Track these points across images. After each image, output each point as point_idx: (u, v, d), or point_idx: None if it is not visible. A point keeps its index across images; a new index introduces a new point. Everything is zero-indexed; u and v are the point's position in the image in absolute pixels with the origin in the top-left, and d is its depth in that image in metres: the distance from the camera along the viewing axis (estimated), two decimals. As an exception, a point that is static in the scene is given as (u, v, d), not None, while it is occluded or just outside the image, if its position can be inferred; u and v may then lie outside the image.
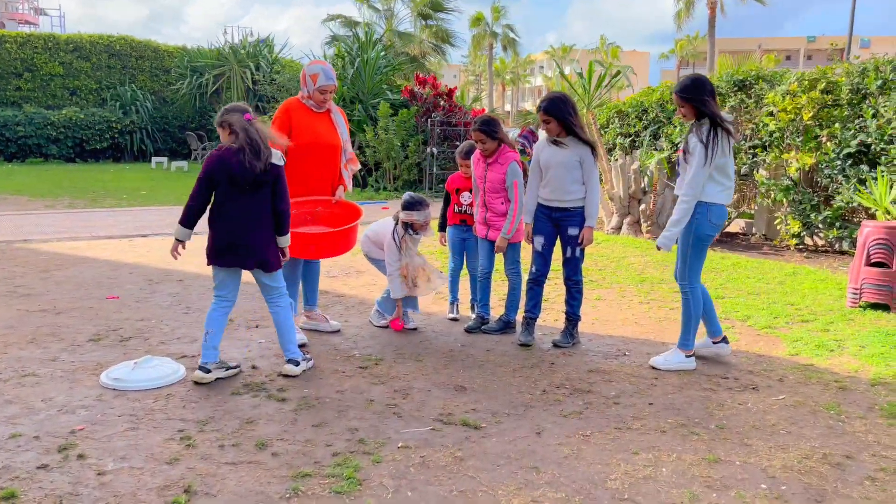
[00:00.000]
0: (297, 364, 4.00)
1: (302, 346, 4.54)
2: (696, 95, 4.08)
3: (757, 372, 4.24)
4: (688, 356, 4.33)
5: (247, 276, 4.09)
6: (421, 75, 16.08)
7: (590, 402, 3.72)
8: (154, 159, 21.16)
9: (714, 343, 4.47)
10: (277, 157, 3.84)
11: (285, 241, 4.00)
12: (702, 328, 4.48)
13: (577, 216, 4.60)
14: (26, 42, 21.43)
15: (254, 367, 4.15)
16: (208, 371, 3.81)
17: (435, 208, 5.51)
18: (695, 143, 4.07)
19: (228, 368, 3.95)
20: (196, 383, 3.82)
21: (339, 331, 4.93)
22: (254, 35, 24.15)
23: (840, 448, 3.19)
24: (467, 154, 5.11)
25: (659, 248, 4.20)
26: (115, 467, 2.90)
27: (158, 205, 11.78)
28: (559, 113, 4.50)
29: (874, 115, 7.70)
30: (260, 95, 20.86)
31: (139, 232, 9.02)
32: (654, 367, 4.30)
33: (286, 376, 3.97)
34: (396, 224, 4.87)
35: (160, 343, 4.58)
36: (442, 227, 5.34)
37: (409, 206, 4.82)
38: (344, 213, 4.74)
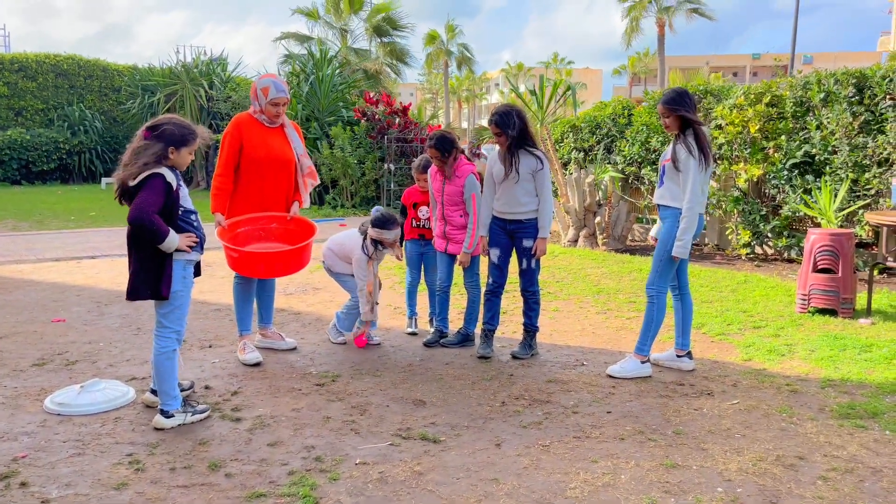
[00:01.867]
0: (169, 417, 3.45)
1: (256, 365, 4.45)
2: (681, 107, 4.18)
3: (712, 378, 4.30)
4: (643, 362, 4.38)
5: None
6: (371, 94, 16.07)
7: (549, 413, 3.72)
8: (104, 180, 20.65)
9: (678, 357, 4.53)
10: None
11: (166, 246, 3.35)
12: (666, 342, 4.52)
13: (530, 228, 4.62)
14: (-32, 61, 20.82)
15: (207, 388, 4.04)
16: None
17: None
18: (686, 154, 4.14)
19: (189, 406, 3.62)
20: (147, 406, 3.70)
21: (295, 348, 4.84)
22: (207, 54, 23.87)
23: (793, 449, 3.25)
24: (424, 168, 5.10)
25: (676, 259, 4.25)
26: (59, 494, 2.78)
27: (108, 226, 11.48)
28: (512, 124, 4.53)
29: (818, 127, 7.97)
30: (214, 113, 20.58)
31: (88, 254, 8.77)
32: (611, 376, 4.33)
33: (158, 429, 3.45)
34: (365, 239, 4.82)
35: (108, 366, 4.43)
36: (399, 242, 5.30)
37: (381, 223, 4.78)
38: (298, 230, 4.66)
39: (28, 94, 21.68)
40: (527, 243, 4.62)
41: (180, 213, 3.45)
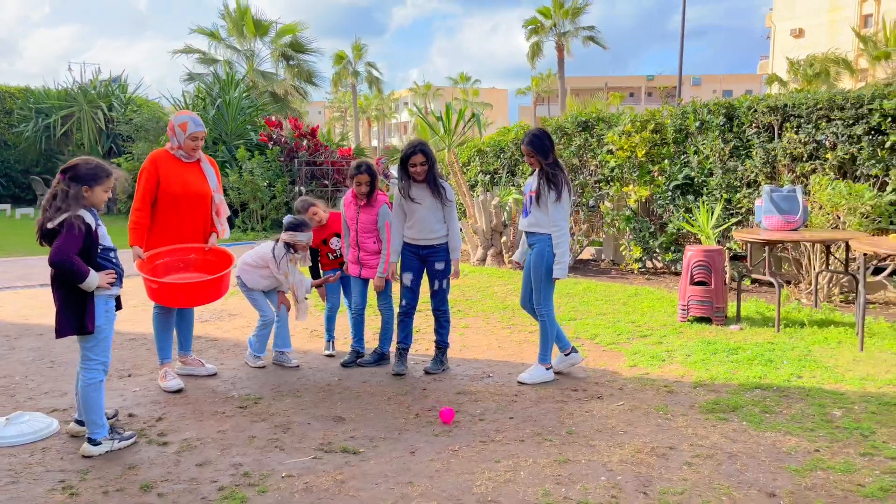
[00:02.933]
0: (97, 444, 3.61)
1: (178, 391, 4.62)
2: (539, 150, 4.80)
3: (602, 383, 4.81)
4: (547, 369, 4.91)
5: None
6: (275, 119, 16.21)
7: (458, 421, 4.10)
8: (-4, 206, 19.72)
9: (566, 355, 5.05)
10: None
11: (87, 285, 3.51)
12: (555, 350, 5.03)
13: (442, 251, 5.03)
14: None
15: (130, 416, 4.19)
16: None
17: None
18: (551, 189, 4.73)
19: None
20: (73, 436, 3.83)
21: (215, 374, 5.03)
22: (102, 72, 23.26)
23: (665, 441, 3.76)
24: (305, 204, 5.47)
25: (557, 279, 4.77)
26: (-6, 523, 2.92)
27: (6, 256, 11.10)
28: (432, 159, 4.95)
29: (695, 152, 8.82)
30: (115, 135, 20.04)
31: (-12, 285, 8.52)
32: (521, 383, 4.81)
33: (86, 457, 3.59)
34: (277, 242, 5.09)
35: (28, 399, 4.49)
36: (315, 276, 5.58)
37: (293, 227, 5.12)
38: (216, 260, 4.88)
39: None
40: (439, 266, 5.02)
41: (99, 251, 3.63)
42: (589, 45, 39.15)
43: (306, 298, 5.33)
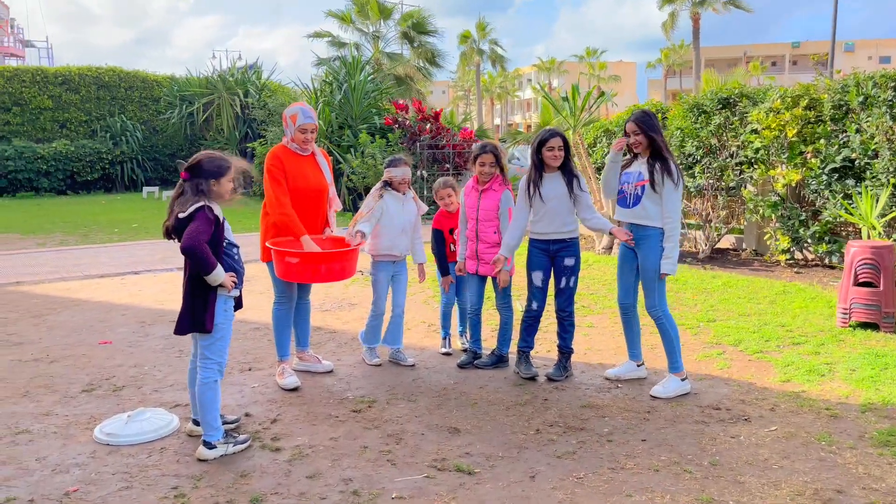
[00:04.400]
0: (212, 448, 3.55)
1: (294, 389, 4.55)
2: (654, 126, 4.41)
3: (749, 401, 4.26)
4: (682, 379, 4.45)
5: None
6: (401, 102, 16.16)
7: (583, 441, 3.74)
8: (145, 189, 21.18)
9: (638, 366, 4.77)
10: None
11: (212, 278, 3.46)
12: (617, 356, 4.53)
13: (573, 246, 4.66)
14: (14, 76, 21.47)
15: (247, 415, 4.15)
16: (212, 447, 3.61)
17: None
18: (666, 177, 4.35)
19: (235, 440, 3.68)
20: (190, 436, 3.82)
21: (331, 371, 4.94)
22: (242, 59, 24.32)
23: (831, 482, 3.22)
24: (445, 184, 5.25)
25: (665, 275, 4.41)
26: (109, 531, 2.90)
27: (150, 238, 11.78)
28: (569, 146, 4.62)
29: (857, 131, 7.80)
30: (250, 121, 20.92)
31: (131, 269, 9.02)
32: (654, 397, 4.37)
33: (201, 460, 3.54)
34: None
35: (153, 391, 4.58)
36: (446, 271, 5.36)
37: (388, 164, 4.99)
38: (337, 248, 4.74)
39: (72, 107, 22.32)
40: (569, 262, 4.65)
41: (224, 245, 3.58)
42: (729, 10, 36.45)
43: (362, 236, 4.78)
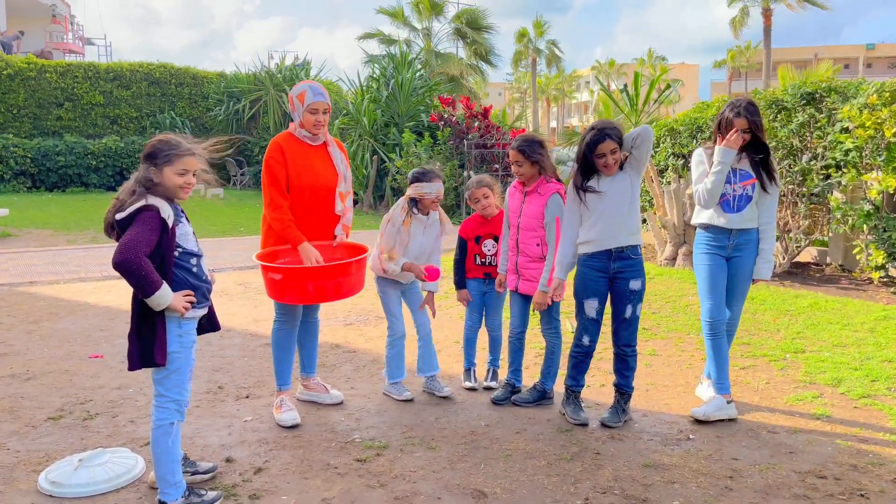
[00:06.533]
0: None
1: (293, 427, 3.79)
2: (759, 121, 3.82)
3: (862, 468, 3.30)
4: (728, 402, 3.83)
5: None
6: (447, 97, 15.35)
7: (646, 520, 2.85)
8: (191, 186, 21.01)
9: (728, 402, 3.92)
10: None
11: (155, 301, 2.73)
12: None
13: (638, 264, 3.77)
14: (66, 72, 21.54)
15: (228, 461, 3.40)
16: None
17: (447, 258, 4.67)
18: (772, 173, 3.89)
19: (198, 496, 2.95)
20: (151, 488, 3.09)
21: (341, 403, 4.16)
22: (297, 58, 23.93)
23: None
24: (480, 184, 4.34)
25: (759, 281, 3.96)
26: None
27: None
28: (622, 142, 3.75)
29: (973, 130, 6.64)
30: (297, 119, 20.53)
31: (153, 270, 8.48)
32: (695, 420, 3.79)
33: None
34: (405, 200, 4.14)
35: (129, 422, 3.87)
36: (461, 284, 4.50)
37: (415, 178, 4.09)
38: (348, 256, 3.96)
39: (122, 103, 22.29)
40: (634, 285, 3.74)
41: (177, 255, 2.83)
42: (804, 7, 34.46)
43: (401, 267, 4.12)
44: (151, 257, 2.73)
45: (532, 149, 3.98)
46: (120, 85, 22.23)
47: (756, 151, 3.84)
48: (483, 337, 4.57)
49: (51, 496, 3.03)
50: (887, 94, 7.41)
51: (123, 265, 2.66)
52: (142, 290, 2.70)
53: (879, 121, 7.30)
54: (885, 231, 7.38)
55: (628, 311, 3.75)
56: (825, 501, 3.00)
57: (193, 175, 2.91)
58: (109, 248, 9.97)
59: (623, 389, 3.87)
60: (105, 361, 4.96)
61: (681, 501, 3.01)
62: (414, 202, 4.11)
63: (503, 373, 4.42)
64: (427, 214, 4.17)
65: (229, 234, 11.06)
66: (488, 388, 4.39)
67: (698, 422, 3.84)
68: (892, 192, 7.40)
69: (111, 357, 5.06)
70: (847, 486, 3.13)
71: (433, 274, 4.09)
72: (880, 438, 3.62)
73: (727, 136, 3.79)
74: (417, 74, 17.20)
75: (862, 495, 3.05)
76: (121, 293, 7.22)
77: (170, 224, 2.78)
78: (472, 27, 23.81)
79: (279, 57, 33.95)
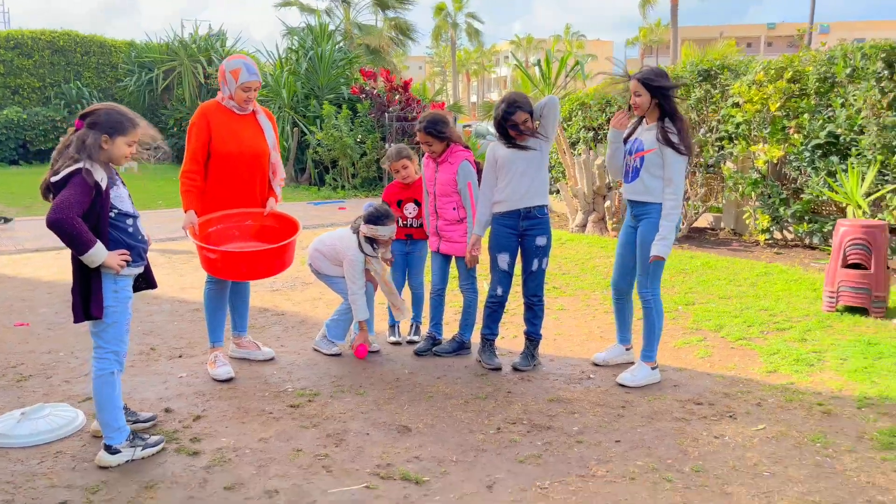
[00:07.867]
0: (115, 453, 3.03)
1: (228, 380, 4.03)
2: (662, 86, 3.82)
3: (733, 395, 3.84)
4: (653, 368, 4.05)
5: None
6: (369, 70, 15.44)
7: (549, 442, 3.28)
8: (103, 160, 20.28)
9: (627, 350, 4.38)
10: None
11: (89, 258, 2.89)
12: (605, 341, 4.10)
13: (544, 222, 4.16)
14: (-38, 39, 20.33)
15: (167, 411, 3.62)
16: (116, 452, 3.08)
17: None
18: (670, 143, 3.82)
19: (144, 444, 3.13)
20: (94, 436, 3.29)
21: (272, 359, 4.42)
22: (211, 28, 23.27)
23: (830, 493, 2.80)
24: (399, 156, 4.65)
25: (656, 258, 3.87)
26: (-29, 560, 2.38)
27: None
28: (531, 111, 4.06)
29: (843, 105, 7.40)
30: (213, 90, 20.05)
31: (71, 243, 8.36)
32: (621, 385, 3.97)
33: (102, 468, 3.02)
34: (357, 234, 4.37)
35: (63, 382, 4.01)
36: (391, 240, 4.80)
37: (374, 219, 4.31)
38: (279, 227, 4.21)
39: (24, 72, 21.20)
40: (540, 241, 4.14)
41: (113, 216, 3.01)
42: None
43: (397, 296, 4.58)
44: (86, 218, 2.90)
45: (437, 128, 4.32)
46: (21, 53, 21.10)
47: (661, 120, 3.85)
48: (406, 295, 4.90)
49: (-5, 447, 3.18)
50: (773, 71, 8.11)
51: (56, 224, 2.82)
52: (76, 248, 2.88)
53: (765, 96, 8.00)
54: (769, 197, 8.13)
55: (535, 265, 4.16)
56: (700, 422, 3.51)
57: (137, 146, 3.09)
58: (22, 222, 9.71)
59: (532, 336, 4.29)
60: (31, 329, 5.01)
61: (580, 427, 3.45)
62: (369, 240, 4.35)
63: (425, 328, 4.77)
64: (382, 251, 4.44)
65: (149, 208, 10.95)
66: (411, 342, 4.74)
67: (597, 365, 4.31)
68: (776, 161, 8.15)
69: (36, 325, 5.11)
70: (719, 410, 3.65)
71: (360, 353, 4.45)
72: (751, 372, 4.19)
73: (615, 115, 4.10)
74: (337, 47, 17.17)
75: (731, 416, 3.57)
76: (37, 266, 7.15)
77: (103, 186, 2.95)
78: (392, -1, 23.76)
79: (192, 26, 32.90)
